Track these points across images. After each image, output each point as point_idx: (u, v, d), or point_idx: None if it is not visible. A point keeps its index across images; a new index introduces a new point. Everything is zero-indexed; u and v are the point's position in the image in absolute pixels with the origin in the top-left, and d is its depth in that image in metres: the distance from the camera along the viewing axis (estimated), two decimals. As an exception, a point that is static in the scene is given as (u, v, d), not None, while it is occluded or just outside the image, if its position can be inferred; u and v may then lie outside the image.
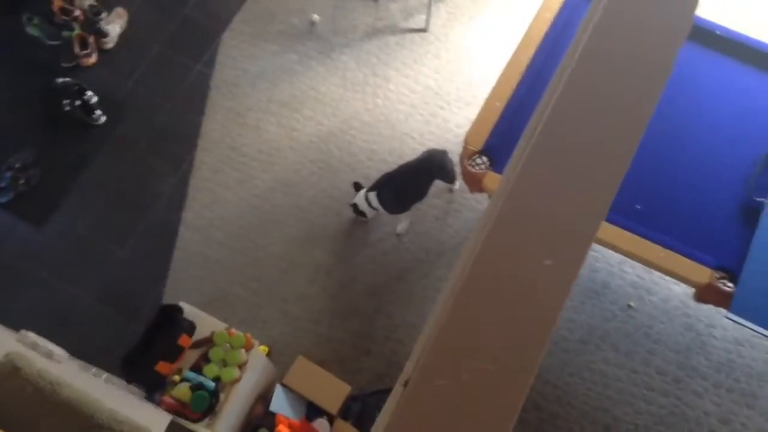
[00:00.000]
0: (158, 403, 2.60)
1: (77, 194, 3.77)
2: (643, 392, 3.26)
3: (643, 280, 3.45)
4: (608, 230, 2.77)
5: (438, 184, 3.54)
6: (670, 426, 3.20)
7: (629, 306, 3.41)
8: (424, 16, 4.12)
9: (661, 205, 2.90)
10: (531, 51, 3.12)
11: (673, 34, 1.11)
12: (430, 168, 3.41)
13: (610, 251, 3.10)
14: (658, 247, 2.75)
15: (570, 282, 0.96)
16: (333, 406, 3.09)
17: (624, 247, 2.78)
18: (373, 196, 3.35)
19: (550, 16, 3.18)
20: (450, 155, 3.45)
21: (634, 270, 3.46)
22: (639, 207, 2.87)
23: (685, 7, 1.12)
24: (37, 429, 1.38)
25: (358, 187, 3.46)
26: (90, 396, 1.49)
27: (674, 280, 3.35)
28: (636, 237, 2.77)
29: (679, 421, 3.21)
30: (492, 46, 4.07)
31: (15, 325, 2.42)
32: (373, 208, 3.38)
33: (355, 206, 3.42)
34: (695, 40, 3.14)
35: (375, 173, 3.54)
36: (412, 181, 3.41)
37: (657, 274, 3.37)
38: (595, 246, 3.43)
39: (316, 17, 4.19)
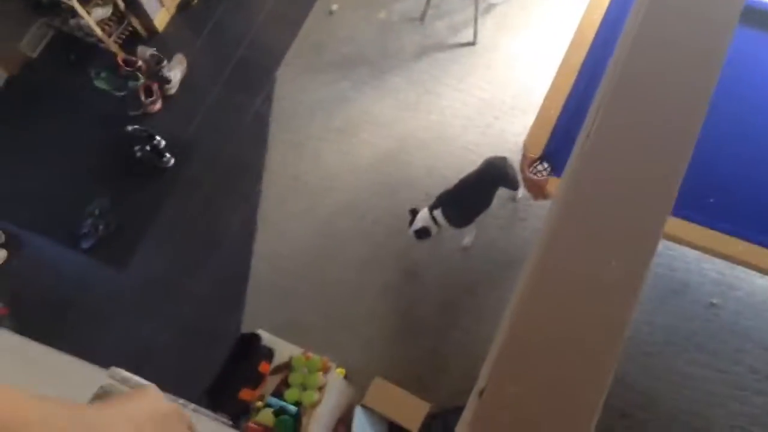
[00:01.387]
0: (244, 430, 2.67)
1: (154, 235, 3.95)
2: (735, 392, 3.11)
3: (725, 276, 3.31)
4: (682, 226, 2.68)
5: (501, 195, 3.52)
6: (767, 426, 3.04)
7: (712, 303, 3.27)
8: (471, 30, 4.14)
9: (735, 197, 2.79)
10: (583, 52, 3.08)
11: (724, 17, 1.09)
12: (491, 176, 3.38)
13: (687, 248, 3.00)
14: (737, 240, 2.65)
15: (639, 282, 0.94)
16: (413, 424, 3.09)
17: (700, 243, 2.69)
18: (438, 213, 3.33)
19: (598, 16, 3.14)
20: (510, 162, 3.43)
21: (713, 266, 3.33)
22: (712, 200, 2.77)
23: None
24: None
25: (414, 212, 3.42)
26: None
27: (757, 273, 3.21)
28: (712, 231, 2.67)
29: (778, 420, 3.04)
30: (542, 51, 4.04)
31: (104, 364, 2.54)
32: (438, 225, 3.37)
33: (417, 232, 3.38)
34: (754, 25, 3.03)
35: (436, 189, 3.56)
36: (475, 192, 3.39)
37: (739, 268, 3.22)
38: (671, 244, 3.31)
39: (335, 7, 4.35)
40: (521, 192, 3.57)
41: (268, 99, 4.23)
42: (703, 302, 3.28)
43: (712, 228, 2.67)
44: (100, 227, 3.93)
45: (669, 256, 3.38)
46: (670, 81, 1.06)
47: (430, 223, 3.34)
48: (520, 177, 3.35)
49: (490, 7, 4.22)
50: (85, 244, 3.92)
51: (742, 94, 2.95)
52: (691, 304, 3.28)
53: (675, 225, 2.66)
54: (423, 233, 3.37)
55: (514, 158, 3.69)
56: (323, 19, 4.42)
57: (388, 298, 3.57)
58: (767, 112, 2.93)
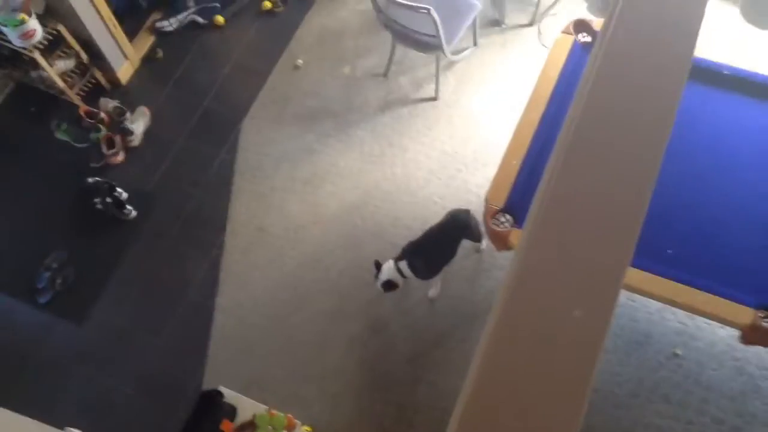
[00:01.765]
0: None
1: (113, 288, 3.84)
2: (701, 443, 3.11)
3: (687, 326, 3.36)
4: (642, 277, 2.71)
5: (465, 246, 3.54)
6: (735, 477, 3.04)
7: (675, 354, 3.30)
8: (433, 86, 4.24)
9: (693, 248, 2.85)
10: (541, 107, 3.17)
11: (675, 75, 1.13)
12: (455, 228, 3.42)
13: (649, 299, 3.04)
14: (696, 291, 2.69)
15: (602, 331, 0.94)
16: (380, 483, 3.00)
17: (661, 294, 2.72)
18: (404, 264, 3.33)
19: (555, 72, 3.25)
20: (473, 214, 3.47)
21: (675, 316, 3.38)
22: (671, 251, 2.83)
23: (682, 51, 1.14)
24: None
25: (378, 265, 3.42)
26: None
27: (718, 324, 3.26)
28: (672, 282, 2.71)
29: (744, 471, 3.04)
30: (502, 106, 4.15)
31: (59, 422, 2.43)
32: (404, 277, 3.37)
33: (384, 285, 3.37)
34: (704, 82, 3.17)
35: (401, 240, 3.56)
36: (439, 244, 3.42)
37: (700, 318, 3.27)
38: (633, 295, 3.36)
39: (300, 62, 4.44)
40: (484, 243, 3.60)
41: (233, 150, 4.22)
42: (666, 352, 3.31)
43: (671, 279, 2.72)
44: (58, 281, 3.81)
45: (631, 307, 3.42)
46: (625, 137, 1.08)
47: (395, 275, 3.34)
48: (482, 229, 3.39)
49: (450, 65, 4.34)
50: (42, 299, 3.79)
51: (702, 146, 3.06)
52: (655, 355, 3.31)
53: (635, 276, 2.69)
54: (389, 286, 3.36)
55: (477, 210, 3.73)
56: (288, 73, 4.47)
57: (354, 352, 3.51)
58: (723, 166, 3.03)
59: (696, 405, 3.18)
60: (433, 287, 3.55)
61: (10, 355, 3.71)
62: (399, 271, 3.34)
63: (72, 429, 2.01)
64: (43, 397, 3.56)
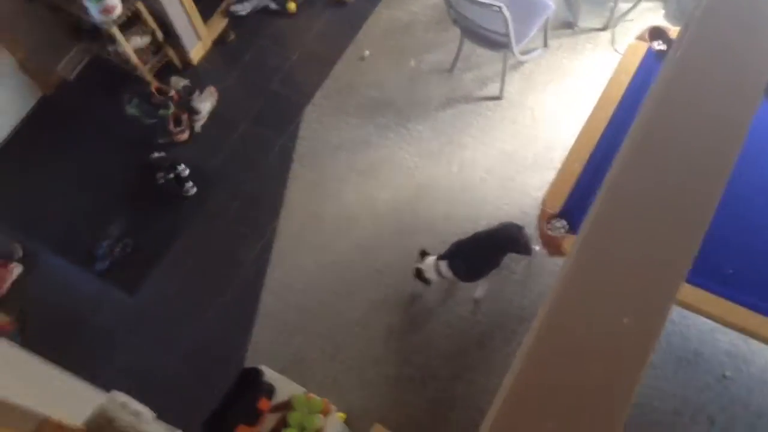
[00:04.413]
0: (238, 466, 2.62)
1: (168, 262, 3.97)
2: (745, 471, 3.01)
3: (739, 349, 3.24)
4: (698, 295, 2.64)
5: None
6: None
7: (724, 376, 3.20)
8: (498, 84, 4.20)
9: (754, 269, 2.75)
10: (608, 113, 3.10)
11: (752, 86, 1.09)
12: (503, 241, 3.40)
13: (702, 318, 2.95)
14: (753, 313, 2.60)
15: (651, 342, 0.93)
16: (411, 475, 3.02)
17: (716, 313, 2.64)
18: (444, 264, 3.33)
19: (625, 78, 3.18)
20: (527, 225, 3.42)
21: (727, 338, 3.26)
22: (731, 271, 2.73)
23: (761, 67, 1.10)
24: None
25: (424, 254, 3.43)
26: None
27: (773, 349, 3.15)
28: (729, 302, 2.63)
29: (789, 504, 2.93)
30: (567, 110, 4.08)
31: (106, 386, 2.54)
32: (442, 277, 3.37)
33: (418, 271, 3.40)
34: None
35: (451, 237, 3.55)
36: (484, 251, 3.40)
37: (754, 341, 3.15)
38: (686, 313, 3.26)
39: (367, 53, 4.45)
40: (533, 257, 3.55)
41: (294, 136, 4.29)
42: (715, 373, 3.20)
43: (728, 299, 2.63)
44: (117, 250, 3.97)
45: (683, 324, 3.32)
46: (692, 150, 1.06)
47: (431, 271, 3.35)
48: (533, 244, 3.36)
49: (518, 65, 4.29)
50: (100, 266, 3.95)
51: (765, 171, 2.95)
52: (704, 375, 3.21)
53: (691, 293, 2.62)
54: (420, 276, 3.39)
55: (533, 213, 3.69)
56: (354, 64, 4.51)
57: (394, 343, 3.53)
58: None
59: (742, 430, 3.08)
60: (479, 288, 3.53)
61: (64, 317, 3.89)
62: (438, 268, 3.34)
63: (118, 392, 2.09)
64: (92, 361, 3.71)
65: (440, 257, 3.37)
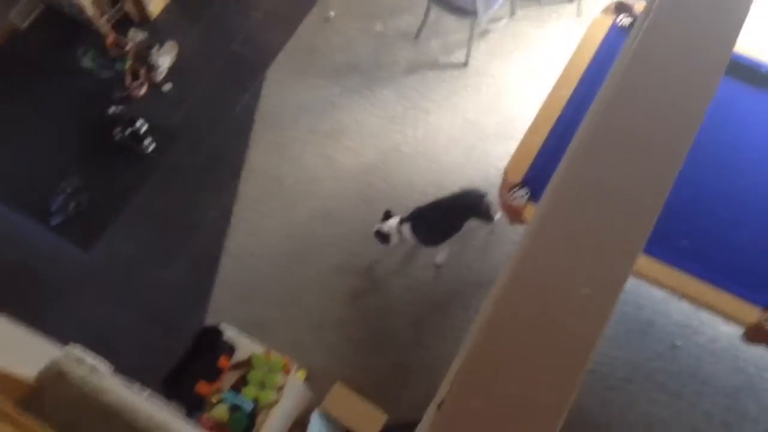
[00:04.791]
0: (197, 423, 2.62)
1: (125, 219, 3.88)
2: (689, 435, 3.14)
3: (690, 319, 3.35)
4: (653, 266, 2.71)
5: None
6: (719, 472, 3.07)
7: (675, 345, 3.31)
8: (464, 51, 4.17)
9: (709, 242, 2.83)
10: (571, 86, 3.12)
11: (710, 70, 1.10)
12: (465, 206, 3.42)
13: (656, 288, 3.03)
14: (705, 285, 2.68)
15: (606, 312, 0.94)
16: (369, 435, 3.06)
17: (669, 284, 2.72)
18: (406, 227, 3.36)
19: (589, 52, 3.20)
20: (489, 192, 3.43)
21: (680, 308, 3.37)
22: (686, 243, 2.81)
23: (723, 45, 1.11)
24: (79, 430, 1.42)
25: (387, 215, 3.45)
26: (130, 403, 1.52)
27: (722, 320, 3.25)
28: (682, 274, 2.71)
29: (728, 467, 3.07)
30: (531, 80, 4.09)
31: (62, 341, 2.48)
32: (403, 239, 3.39)
33: (378, 233, 3.40)
34: (739, 78, 3.10)
35: (413, 204, 3.55)
36: (446, 217, 3.43)
37: (704, 313, 3.27)
38: (640, 283, 3.35)
39: (332, 14, 4.38)
40: (498, 216, 3.58)
41: (256, 96, 4.20)
42: (666, 343, 3.31)
43: (682, 270, 2.70)
44: (71, 205, 3.85)
45: (637, 294, 3.41)
46: (653, 123, 1.06)
47: (393, 233, 3.37)
48: (494, 211, 3.38)
49: (484, 33, 4.26)
50: (54, 220, 3.84)
51: (728, 142, 3.01)
52: (655, 344, 3.31)
53: (645, 264, 2.68)
54: (381, 237, 3.41)
55: (495, 182, 3.71)
56: (319, 25, 4.42)
57: (355, 307, 3.54)
58: (750, 166, 2.99)
59: (689, 397, 3.20)
60: (440, 253, 3.56)
61: (19, 272, 3.77)
62: (400, 231, 3.36)
63: (75, 346, 2.05)
64: (48, 317, 3.62)
65: (403, 220, 3.38)
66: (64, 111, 4.21)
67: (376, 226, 3.42)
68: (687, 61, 1.09)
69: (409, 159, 3.91)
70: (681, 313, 3.36)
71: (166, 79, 4.26)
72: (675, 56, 1.10)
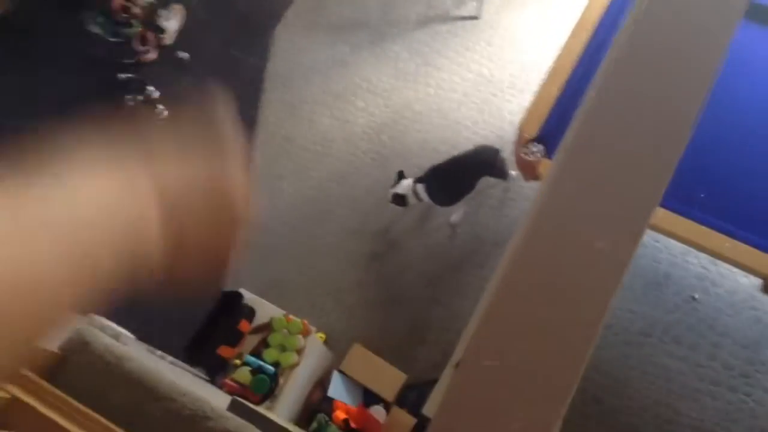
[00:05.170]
0: (220, 386, 2.68)
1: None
2: (708, 387, 3.14)
3: (709, 272, 3.32)
4: (670, 219, 2.67)
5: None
6: (738, 422, 3.08)
7: (693, 298, 3.29)
8: (475, 4, 4.08)
9: (726, 194, 2.78)
10: (586, 36, 3.03)
11: (728, 12, 1.07)
12: (479, 164, 3.38)
13: (673, 241, 3.00)
14: (723, 237, 2.64)
15: (623, 266, 0.93)
16: (389, 393, 3.11)
17: (687, 237, 2.68)
18: (421, 187, 3.33)
19: (603, 2, 3.10)
20: (504, 149, 3.39)
21: (698, 261, 3.34)
22: (703, 195, 2.76)
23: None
24: (105, 399, 1.45)
25: (401, 176, 3.41)
26: (154, 370, 1.55)
27: (741, 272, 3.22)
28: (700, 226, 2.67)
29: (747, 417, 3.08)
30: (545, 32, 3.99)
31: (83, 311, 2.53)
32: (419, 199, 3.37)
33: (394, 196, 3.38)
34: (757, 21, 3.00)
35: (427, 162, 3.52)
36: (460, 175, 3.39)
37: (723, 265, 3.23)
38: (658, 236, 3.32)
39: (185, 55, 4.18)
40: (510, 179, 3.55)
41: (264, 57, 4.15)
42: (684, 296, 3.30)
43: (700, 222, 2.67)
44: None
45: (654, 247, 3.39)
46: (669, 72, 1.03)
47: (409, 194, 3.34)
48: (508, 168, 3.35)
49: (496, -18, 4.16)
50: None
51: (746, 89, 2.93)
52: (673, 297, 3.30)
53: (663, 216, 2.65)
54: (399, 200, 3.37)
55: (509, 137, 3.67)
56: (327, -20, 4.33)
57: (372, 267, 3.56)
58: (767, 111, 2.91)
59: (707, 349, 3.20)
60: (456, 213, 3.54)
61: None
62: (415, 192, 3.33)
63: (95, 315, 2.09)
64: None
65: (417, 180, 3.36)
66: (74, 79, 4.20)
67: (392, 190, 3.39)
68: (703, 4, 1.06)
69: (422, 116, 3.87)
70: (700, 265, 3.33)
71: (173, 43, 4.22)
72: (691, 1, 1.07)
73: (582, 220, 0.97)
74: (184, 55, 4.16)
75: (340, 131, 3.90)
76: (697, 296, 3.29)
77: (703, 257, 3.30)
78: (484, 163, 3.37)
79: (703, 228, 2.66)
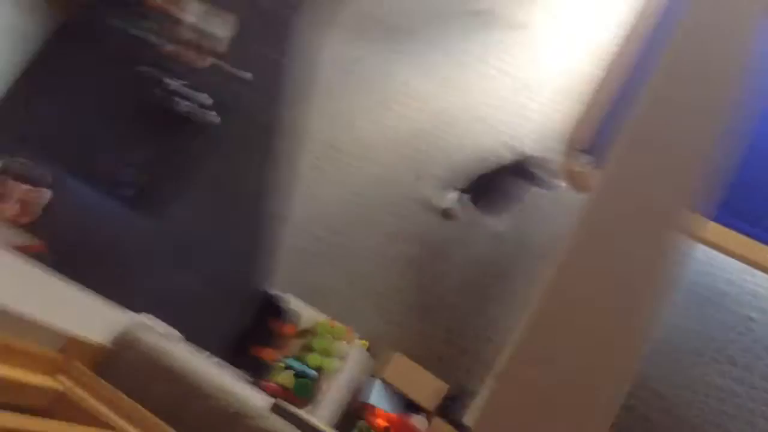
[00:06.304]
0: (262, 388, 2.71)
1: (191, 190, 3.99)
2: (762, 409, 3.02)
3: (766, 290, 3.20)
4: (728, 235, 2.59)
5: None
6: (793, 447, 2.95)
7: (750, 318, 3.17)
8: (517, 8, 4.03)
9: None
10: (636, 44, 2.97)
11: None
12: (523, 174, 3.33)
13: (730, 259, 2.90)
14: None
15: (668, 278, 0.91)
16: (430, 403, 3.09)
17: (743, 253, 2.60)
18: (466, 198, 3.31)
19: (655, 8, 3.02)
20: (545, 155, 3.34)
21: (754, 279, 3.22)
22: (761, 210, 2.67)
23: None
24: (149, 394, 1.50)
25: (446, 189, 3.40)
26: (199, 368, 1.59)
27: (801, 291, 3.10)
28: (757, 242, 2.58)
29: (803, 441, 2.95)
30: (591, 38, 3.90)
31: (134, 310, 2.60)
32: (464, 210, 3.34)
33: (445, 211, 3.37)
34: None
35: (467, 169, 3.50)
36: (505, 185, 3.36)
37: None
38: (714, 253, 3.21)
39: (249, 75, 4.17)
40: (556, 191, 3.50)
41: (312, 64, 4.21)
42: (740, 315, 3.18)
43: (757, 239, 2.58)
44: (141, 177, 4.00)
45: (710, 264, 3.28)
46: (718, 78, 1.01)
47: (456, 207, 3.32)
48: (553, 178, 3.31)
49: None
50: (126, 193, 3.99)
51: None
52: (728, 315, 3.18)
53: (720, 233, 2.57)
54: (449, 216, 3.37)
55: (553, 145, 3.61)
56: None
57: (413, 274, 3.55)
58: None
59: (762, 370, 3.07)
60: (502, 222, 3.51)
61: (92, 242, 3.95)
62: (460, 203, 3.31)
63: (146, 315, 2.15)
64: (118, 285, 3.79)
65: (463, 191, 3.34)
66: (130, 83, 4.32)
67: (439, 205, 3.37)
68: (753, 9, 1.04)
69: (461, 122, 3.85)
70: (756, 284, 3.21)
71: (227, 50, 4.31)
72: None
73: (629, 232, 0.96)
74: (247, 75, 4.21)
75: (381, 137, 3.92)
76: (754, 315, 3.17)
77: (760, 275, 3.18)
78: (530, 173, 3.33)
79: (761, 245, 2.57)
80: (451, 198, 3.34)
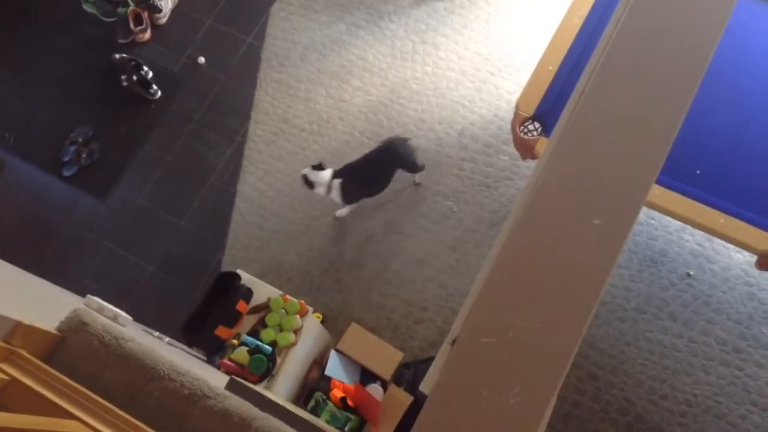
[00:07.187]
0: (218, 366, 2.69)
1: (137, 167, 3.89)
2: (702, 362, 3.18)
3: (703, 248, 3.34)
4: (666, 195, 2.69)
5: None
6: (731, 396, 3.12)
7: (688, 275, 3.31)
8: (474, -19, 4.03)
9: (721, 171, 2.79)
10: (583, 14, 3.02)
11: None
12: (388, 157, 3.36)
13: (669, 218, 3.01)
14: (718, 213, 2.66)
15: (620, 241, 0.94)
16: (386, 372, 3.13)
17: (682, 213, 2.70)
18: (337, 183, 3.32)
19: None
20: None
21: (693, 238, 3.36)
22: (699, 172, 2.77)
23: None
24: (102, 379, 1.46)
25: (320, 167, 3.34)
26: (151, 350, 1.56)
27: (735, 248, 3.25)
28: (695, 203, 2.68)
29: (740, 391, 3.12)
30: (543, 11, 3.96)
31: (81, 293, 2.54)
32: (328, 193, 3.36)
33: (305, 178, 3.32)
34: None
35: (424, 142, 3.53)
36: (373, 171, 3.39)
37: (717, 241, 3.26)
38: (654, 213, 3.33)
39: (202, 59, 4.10)
40: (418, 177, 3.58)
41: (261, 36, 4.12)
42: (679, 273, 3.32)
43: (695, 199, 2.68)
44: (83, 155, 3.87)
45: (650, 224, 3.40)
46: (666, 50, 1.03)
47: (321, 184, 3.32)
48: (419, 160, 3.41)
49: (494, -41, 4.11)
50: (67, 172, 3.87)
51: (745, 68, 2.92)
52: (668, 274, 3.32)
53: (658, 193, 2.66)
54: (309, 185, 3.34)
55: (506, 116, 3.66)
56: (322, -42, 4.28)
57: (369, 248, 3.57)
58: (763, 90, 2.91)
59: (701, 325, 3.23)
60: (344, 209, 3.58)
61: (35, 224, 3.84)
62: (330, 185, 3.32)
63: (93, 297, 2.09)
64: (65, 267, 3.70)
65: (336, 174, 3.34)
66: (69, 58, 4.17)
67: (305, 171, 3.34)
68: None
69: (419, 96, 3.85)
70: (695, 242, 3.35)
71: (168, 23, 4.19)
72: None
73: (578, 197, 0.97)
74: (201, 59, 4.08)
75: (336, 110, 3.88)
76: (692, 273, 3.31)
77: (699, 234, 3.32)
78: (395, 156, 3.36)
79: (698, 204, 2.67)
80: (322, 175, 3.31)
